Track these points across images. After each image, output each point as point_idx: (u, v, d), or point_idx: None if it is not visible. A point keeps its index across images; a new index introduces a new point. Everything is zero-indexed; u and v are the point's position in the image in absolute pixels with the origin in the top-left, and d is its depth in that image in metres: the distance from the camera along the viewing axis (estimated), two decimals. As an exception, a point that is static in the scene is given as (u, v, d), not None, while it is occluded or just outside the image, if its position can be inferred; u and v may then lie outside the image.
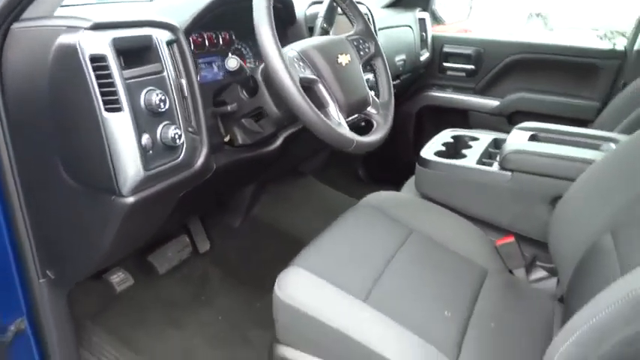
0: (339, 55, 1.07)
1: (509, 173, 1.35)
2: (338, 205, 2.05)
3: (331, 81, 1.03)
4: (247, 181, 1.60)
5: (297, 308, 0.97)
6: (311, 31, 1.33)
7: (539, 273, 1.33)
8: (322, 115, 0.95)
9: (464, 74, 2.40)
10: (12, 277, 1.03)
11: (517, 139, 1.44)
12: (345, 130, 1.00)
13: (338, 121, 1.01)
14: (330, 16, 1.29)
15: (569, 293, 1.11)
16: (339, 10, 1.31)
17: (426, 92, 2.49)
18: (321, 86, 1.02)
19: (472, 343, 1.01)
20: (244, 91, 1.11)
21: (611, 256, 1.00)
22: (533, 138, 1.47)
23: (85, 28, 0.78)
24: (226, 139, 1.19)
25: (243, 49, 1.35)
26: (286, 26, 1.34)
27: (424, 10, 2.36)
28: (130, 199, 0.85)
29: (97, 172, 0.84)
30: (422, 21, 2.30)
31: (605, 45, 2.25)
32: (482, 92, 2.40)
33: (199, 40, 1.19)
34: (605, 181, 1.16)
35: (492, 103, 2.36)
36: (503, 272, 1.29)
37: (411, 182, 1.59)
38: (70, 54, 0.78)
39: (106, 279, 1.30)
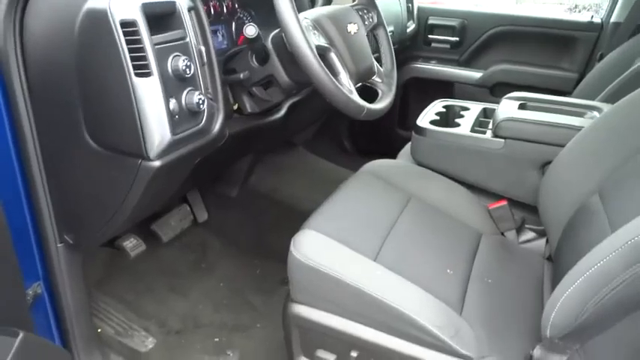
0: (349, 25, 1.10)
1: (502, 140, 1.42)
2: (329, 174, 2.12)
3: (343, 50, 1.07)
4: (252, 149, 1.63)
5: (312, 267, 1.02)
6: (312, 2, 1.35)
7: (529, 235, 1.42)
8: (337, 83, 0.98)
9: (448, 46, 2.46)
10: (29, 242, 1.04)
11: (507, 108, 1.51)
12: (357, 98, 1.04)
13: (350, 89, 1.05)
14: (332, -14, 1.31)
15: (558, 252, 1.20)
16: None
17: (411, 64, 2.53)
18: (333, 55, 1.05)
19: (473, 297, 1.09)
20: (254, 60, 1.13)
21: (599, 215, 1.08)
22: (522, 107, 1.54)
23: None
24: (234, 107, 1.21)
25: (245, 17, 1.36)
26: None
27: (410, -19, 2.39)
28: (157, 163, 0.87)
29: (125, 137, 0.85)
30: (408, -8, 2.33)
31: (583, 17, 2.34)
32: (466, 64, 2.46)
33: (205, 8, 1.20)
34: (593, 146, 1.24)
35: (476, 74, 2.43)
36: (496, 234, 1.37)
37: (406, 151, 1.64)
38: (99, 19, 0.78)
39: (120, 245, 1.32)
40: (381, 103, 1.16)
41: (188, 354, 1.33)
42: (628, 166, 1.11)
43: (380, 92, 1.20)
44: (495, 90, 2.42)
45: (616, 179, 1.12)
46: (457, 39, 2.42)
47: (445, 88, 2.48)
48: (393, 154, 1.65)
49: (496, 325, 1.04)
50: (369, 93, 1.23)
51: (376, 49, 1.28)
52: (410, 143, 1.64)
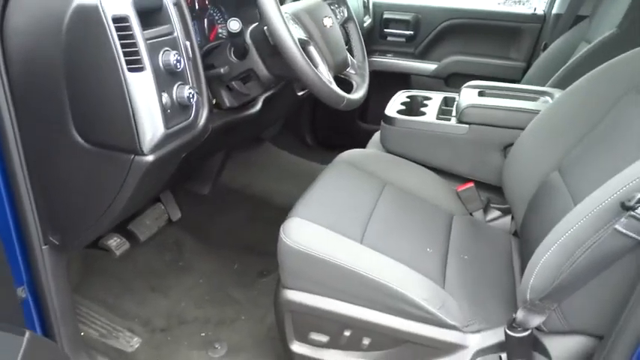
0: (324, 18, 1.15)
1: (466, 126, 1.50)
2: (298, 167, 2.16)
3: (321, 43, 1.11)
4: (227, 144, 1.64)
5: (303, 251, 1.06)
6: (282, -2, 1.38)
7: (494, 213, 1.51)
8: (320, 74, 1.02)
9: (403, 40, 2.55)
10: (12, 244, 1.02)
11: (468, 96, 1.60)
12: (337, 89, 1.09)
13: (330, 80, 1.09)
14: (301, -18, 1.34)
15: (524, 226, 1.29)
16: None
17: (369, 58, 2.59)
18: (312, 48, 1.09)
19: (453, 272, 1.16)
20: (233, 54, 1.15)
21: (561, 190, 1.18)
22: (481, 94, 1.64)
23: None
24: (213, 101, 1.22)
25: (215, 14, 1.37)
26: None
27: (365, -23, 2.46)
28: (150, 157, 0.88)
29: (118, 132, 0.86)
30: (364, -12, 2.40)
31: (527, 10, 2.49)
32: (421, 57, 2.56)
33: (181, 4, 1.21)
34: (550, 128, 1.34)
35: (430, 66, 2.53)
36: (465, 214, 1.45)
37: (374, 140, 1.71)
38: (90, 15, 0.79)
39: (104, 244, 1.31)
40: (358, 94, 1.21)
41: (176, 350, 1.34)
42: (583, 144, 1.21)
43: (354, 83, 1.25)
44: (450, 80, 2.53)
45: (573, 156, 1.22)
46: (411, 32, 2.52)
47: (402, 80, 2.56)
48: (354, 145, 1.70)
49: (476, 295, 1.12)
50: (342, 84, 1.28)
51: (346, 42, 1.33)
52: (378, 133, 1.71)
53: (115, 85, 0.82)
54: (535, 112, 1.39)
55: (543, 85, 1.89)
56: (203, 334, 1.39)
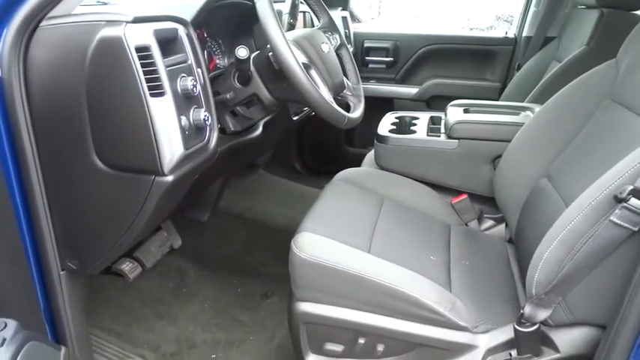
0: (322, 44, 1.22)
1: (456, 141, 1.59)
2: (292, 192, 2.21)
3: (321, 66, 1.18)
4: (230, 167, 1.68)
5: (316, 263, 1.10)
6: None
7: (488, 222, 1.58)
8: (323, 95, 1.09)
9: (384, 66, 2.66)
10: (30, 271, 1.04)
11: (455, 114, 1.69)
12: (339, 108, 1.15)
13: (331, 100, 1.16)
14: (293, 12, 1.43)
15: (519, 231, 1.36)
16: (300, 7, 1.45)
17: (352, 84, 2.70)
18: (313, 71, 1.16)
19: (457, 277, 1.22)
20: (237, 81, 1.21)
21: (552, 194, 1.25)
22: (466, 111, 1.73)
23: (128, 22, 0.85)
24: (218, 126, 1.28)
25: (213, 45, 1.44)
26: (253, 23, 1.46)
27: (344, 9, 2.58)
28: (170, 177, 0.92)
29: (140, 154, 0.90)
30: (344, 19, 2.51)
31: (499, 34, 2.64)
32: (403, 81, 2.68)
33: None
34: (535, 139, 1.42)
35: (412, 90, 2.64)
36: (461, 225, 1.52)
37: (368, 159, 1.77)
38: (114, 45, 0.84)
39: (118, 268, 1.32)
40: (356, 113, 1.28)
41: (189, 373, 1.35)
42: (567, 151, 1.30)
43: (351, 104, 1.32)
44: (431, 103, 2.64)
45: (559, 163, 1.30)
46: (392, 59, 2.63)
47: (385, 104, 2.66)
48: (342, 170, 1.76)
49: (481, 298, 1.17)
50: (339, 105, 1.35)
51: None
52: (371, 153, 1.77)
53: (138, 109, 0.87)
54: (519, 125, 1.48)
55: (524, 101, 2.01)
56: (214, 356, 1.41)
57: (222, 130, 1.29)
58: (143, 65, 0.86)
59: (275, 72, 1.15)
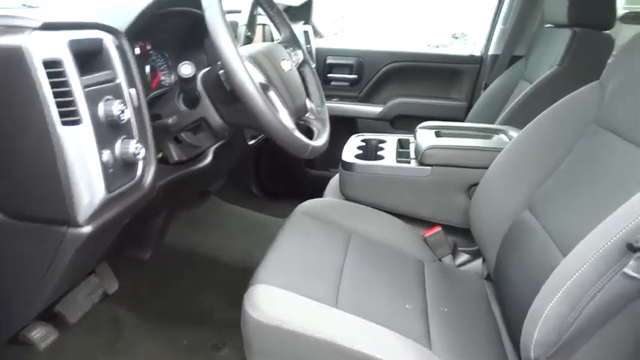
0: (282, 62, 1.06)
1: (428, 168, 1.45)
2: (248, 221, 2.01)
3: (280, 87, 1.01)
4: (172, 202, 1.47)
5: (273, 325, 0.92)
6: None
7: (463, 257, 1.45)
8: (283, 121, 0.92)
9: (347, 84, 2.52)
10: None
11: (426, 137, 1.55)
12: (301, 136, 0.99)
13: (293, 127, 0.99)
14: (251, 24, 1.26)
15: (498, 268, 1.23)
16: (258, 19, 1.29)
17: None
18: (272, 92, 0.99)
19: (436, 330, 1.06)
20: (182, 102, 1.03)
21: (536, 229, 1.12)
22: (438, 135, 1.60)
23: (34, 28, 0.65)
24: (158, 155, 1.08)
25: (158, 59, 1.25)
26: (205, 36, 1.28)
27: (307, 22, 2.43)
28: (87, 229, 0.73)
29: (47, 200, 0.70)
30: (306, 33, 2.36)
31: (465, 52, 2.55)
32: (366, 100, 2.54)
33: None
34: (514, 166, 1.30)
35: (376, 109, 2.51)
36: (435, 261, 1.37)
37: (331, 187, 1.61)
38: (14, 58, 0.64)
39: (25, 337, 1.07)
40: (320, 140, 1.11)
41: None
42: (551, 181, 1.18)
43: (315, 130, 1.16)
44: (396, 122, 2.52)
45: (542, 193, 1.18)
46: (355, 76, 2.50)
47: (348, 123, 2.52)
48: (304, 193, 1.60)
49: (464, 354, 1.02)
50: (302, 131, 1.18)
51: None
52: (335, 179, 1.62)
53: (43, 142, 0.67)
54: (497, 151, 1.36)
55: (487, 123, 1.91)
56: None
57: (164, 160, 1.10)
58: (53, 85, 0.66)
59: (227, 93, 0.98)
